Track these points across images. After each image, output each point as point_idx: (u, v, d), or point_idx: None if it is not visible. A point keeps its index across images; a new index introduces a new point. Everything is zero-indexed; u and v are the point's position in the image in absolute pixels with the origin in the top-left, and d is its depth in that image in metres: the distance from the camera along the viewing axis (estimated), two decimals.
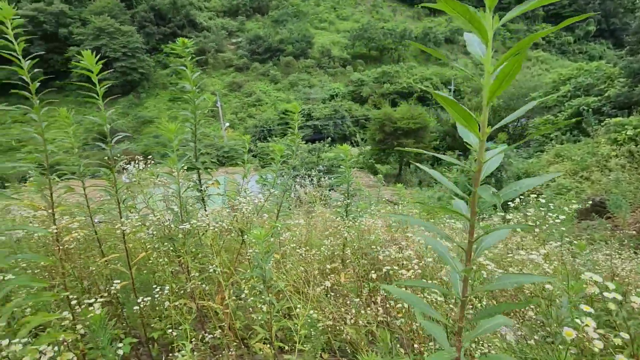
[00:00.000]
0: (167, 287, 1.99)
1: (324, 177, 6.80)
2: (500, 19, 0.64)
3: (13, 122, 35.65)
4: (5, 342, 0.92)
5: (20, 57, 2.35)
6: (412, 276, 1.62)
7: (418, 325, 1.69)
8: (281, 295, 2.36)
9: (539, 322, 1.89)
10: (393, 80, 48.00)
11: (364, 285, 2.44)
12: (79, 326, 1.35)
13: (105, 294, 1.86)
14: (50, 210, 2.65)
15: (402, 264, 1.79)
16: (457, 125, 0.77)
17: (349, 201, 3.09)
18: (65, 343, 1.40)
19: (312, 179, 5.67)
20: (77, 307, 1.41)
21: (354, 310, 1.83)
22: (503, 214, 2.19)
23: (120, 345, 1.29)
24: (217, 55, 52.97)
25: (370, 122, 29.59)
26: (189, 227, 2.24)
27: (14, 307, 1.23)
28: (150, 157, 3.48)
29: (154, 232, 2.36)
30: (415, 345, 1.58)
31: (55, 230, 2.30)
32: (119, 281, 1.87)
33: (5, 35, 2.33)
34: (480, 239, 0.75)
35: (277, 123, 40.53)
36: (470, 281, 0.94)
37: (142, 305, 1.90)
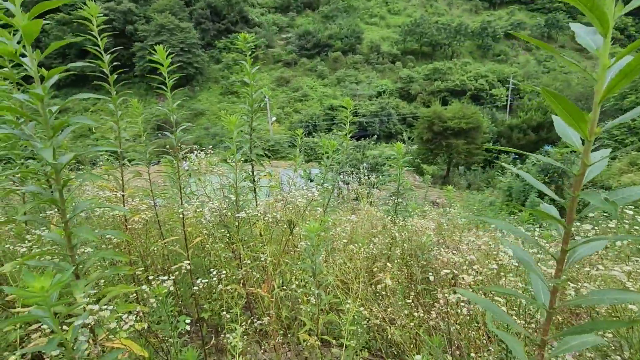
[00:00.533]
0: (224, 272, 2.09)
1: (369, 175, 6.71)
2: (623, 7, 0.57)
3: (85, 110, 39.46)
4: (96, 307, 1.02)
5: (102, 52, 2.57)
6: (472, 282, 1.55)
7: (474, 334, 1.61)
8: (328, 289, 2.38)
9: (611, 346, 1.72)
10: (445, 78, 46.04)
11: (414, 287, 2.38)
12: (152, 300, 1.47)
13: (176, 272, 1.99)
14: (120, 192, 2.90)
15: (463, 268, 1.71)
16: (556, 123, 0.71)
17: (400, 200, 3.03)
18: (140, 314, 1.53)
19: (359, 176, 5.62)
20: (153, 282, 1.54)
21: (406, 312, 1.79)
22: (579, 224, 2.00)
23: (188, 321, 1.37)
24: (267, 51, 54.33)
25: (418, 121, 28.69)
26: (244, 215, 2.33)
27: (96, 278, 1.36)
28: (210, 147, 3.66)
29: (211, 219, 2.49)
30: (472, 354, 1.51)
31: (127, 210, 2.51)
32: (188, 262, 2.01)
33: (91, 32, 2.56)
34: (574, 248, 0.68)
35: (322, 119, 40.77)
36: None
37: (200, 287, 2.02)
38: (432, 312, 1.69)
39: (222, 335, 2.58)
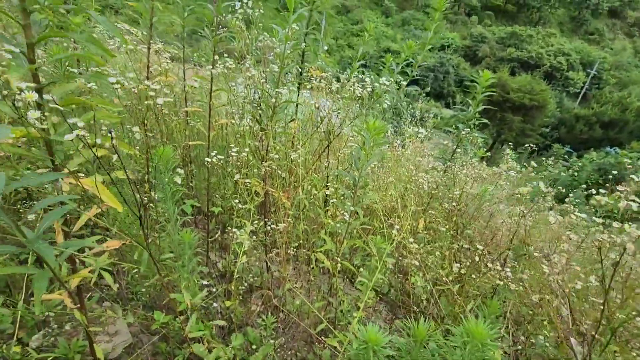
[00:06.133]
0: (236, 149, 1.65)
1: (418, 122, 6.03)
2: None
3: None
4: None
5: None
6: None
7: None
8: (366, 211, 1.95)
9: None
10: (521, 46, 40.93)
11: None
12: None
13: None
14: (145, 45, 2.41)
15: None
16: None
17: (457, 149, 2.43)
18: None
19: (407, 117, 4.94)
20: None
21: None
22: None
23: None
24: None
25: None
26: (286, 92, 1.82)
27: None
28: None
29: (244, 93, 2.01)
30: None
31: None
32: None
33: None
34: None
35: (374, 62, 37.98)
36: None
37: (212, 160, 1.61)
38: None
39: (228, 229, 2.24)
